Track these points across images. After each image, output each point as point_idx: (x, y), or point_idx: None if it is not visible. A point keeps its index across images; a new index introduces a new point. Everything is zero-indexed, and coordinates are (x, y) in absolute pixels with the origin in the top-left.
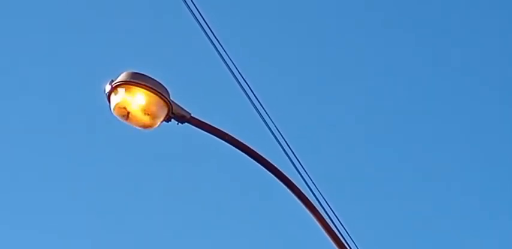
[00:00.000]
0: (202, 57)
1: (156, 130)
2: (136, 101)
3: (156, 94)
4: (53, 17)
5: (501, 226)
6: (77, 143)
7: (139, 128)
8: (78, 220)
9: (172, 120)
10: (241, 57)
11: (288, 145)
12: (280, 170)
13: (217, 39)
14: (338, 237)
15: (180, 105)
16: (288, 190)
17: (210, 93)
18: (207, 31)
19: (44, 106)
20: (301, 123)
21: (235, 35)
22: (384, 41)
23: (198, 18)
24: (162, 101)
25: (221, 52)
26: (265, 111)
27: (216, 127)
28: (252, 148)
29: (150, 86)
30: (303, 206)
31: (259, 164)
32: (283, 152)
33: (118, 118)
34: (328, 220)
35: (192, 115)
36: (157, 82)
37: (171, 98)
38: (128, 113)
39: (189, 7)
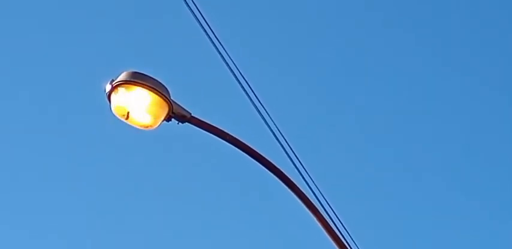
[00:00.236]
0: (203, 57)
1: (156, 129)
2: (137, 101)
3: (156, 94)
4: (53, 17)
5: (501, 226)
6: (77, 143)
7: (140, 128)
8: (78, 220)
9: (173, 119)
10: (241, 57)
11: (289, 145)
12: (281, 169)
13: (217, 39)
14: (338, 237)
15: (180, 104)
16: (289, 190)
17: (211, 93)
18: (207, 31)
19: (44, 106)
20: (301, 123)
21: (235, 35)
22: (384, 40)
23: (198, 18)
24: (162, 100)
25: (221, 52)
26: (265, 111)
27: (217, 126)
28: (252, 147)
29: (151, 86)
30: (304, 206)
31: (259, 164)
32: (283, 152)
33: (118, 117)
34: (328, 220)
35: (192, 114)
36: (158, 81)
37: (172, 98)
38: (128, 113)
39: (189, 7)
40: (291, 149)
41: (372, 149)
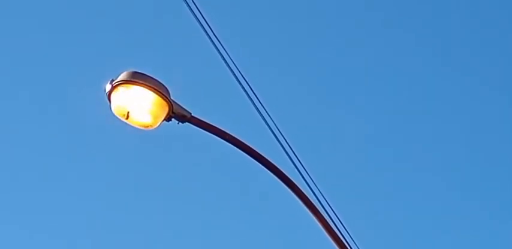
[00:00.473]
0: (203, 57)
1: (156, 129)
2: (137, 100)
3: (156, 94)
4: (53, 17)
5: (501, 226)
6: (77, 143)
7: (140, 127)
8: (78, 220)
9: (173, 119)
10: (241, 57)
11: (289, 145)
12: (281, 169)
13: (217, 39)
14: (339, 237)
15: (180, 104)
16: (289, 190)
17: (211, 93)
18: (207, 31)
19: (44, 106)
20: (301, 123)
21: (235, 35)
22: (384, 40)
23: (198, 18)
24: (162, 100)
25: (222, 52)
26: (265, 111)
27: (217, 126)
28: (252, 147)
29: (151, 85)
30: (304, 206)
31: (259, 164)
32: (283, 152)
33: (118, 117)
34: (328, 220)
35: (192, 114)
36: (158, 81)
37: (172, 97)
38: (128, 112)
39: (189, 7)
40: (291, 149)
41: (371, 149)
